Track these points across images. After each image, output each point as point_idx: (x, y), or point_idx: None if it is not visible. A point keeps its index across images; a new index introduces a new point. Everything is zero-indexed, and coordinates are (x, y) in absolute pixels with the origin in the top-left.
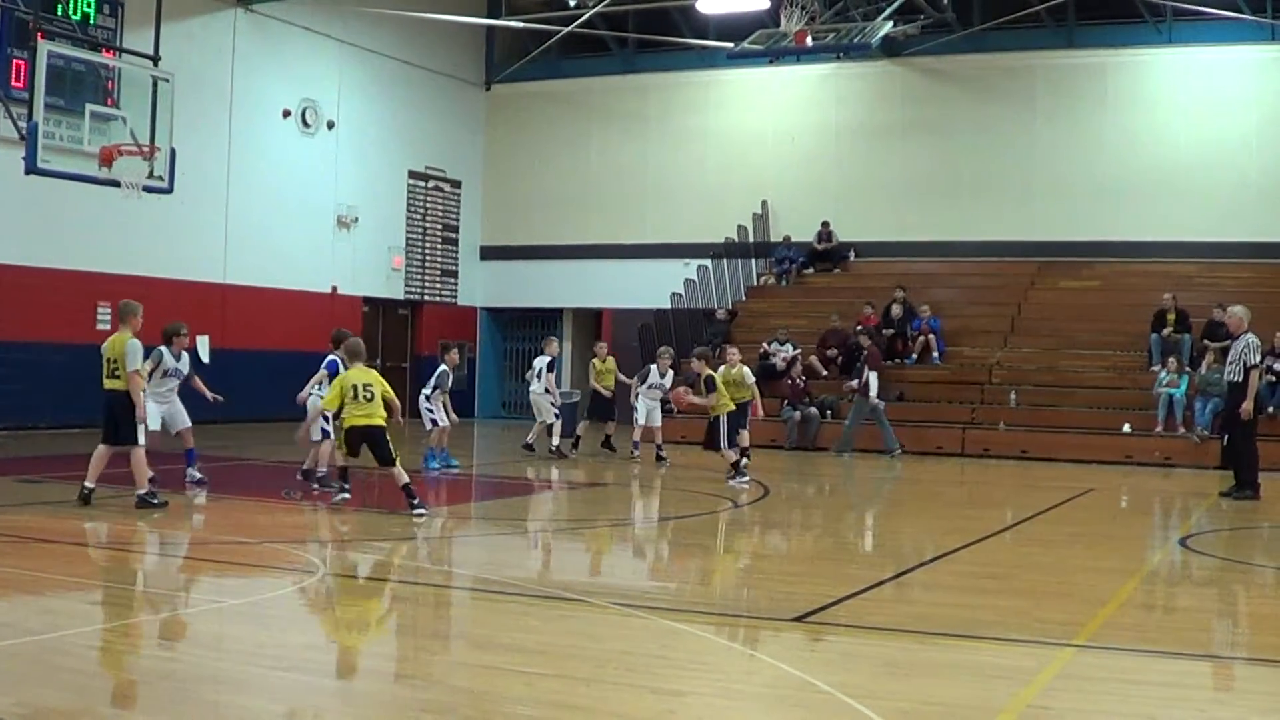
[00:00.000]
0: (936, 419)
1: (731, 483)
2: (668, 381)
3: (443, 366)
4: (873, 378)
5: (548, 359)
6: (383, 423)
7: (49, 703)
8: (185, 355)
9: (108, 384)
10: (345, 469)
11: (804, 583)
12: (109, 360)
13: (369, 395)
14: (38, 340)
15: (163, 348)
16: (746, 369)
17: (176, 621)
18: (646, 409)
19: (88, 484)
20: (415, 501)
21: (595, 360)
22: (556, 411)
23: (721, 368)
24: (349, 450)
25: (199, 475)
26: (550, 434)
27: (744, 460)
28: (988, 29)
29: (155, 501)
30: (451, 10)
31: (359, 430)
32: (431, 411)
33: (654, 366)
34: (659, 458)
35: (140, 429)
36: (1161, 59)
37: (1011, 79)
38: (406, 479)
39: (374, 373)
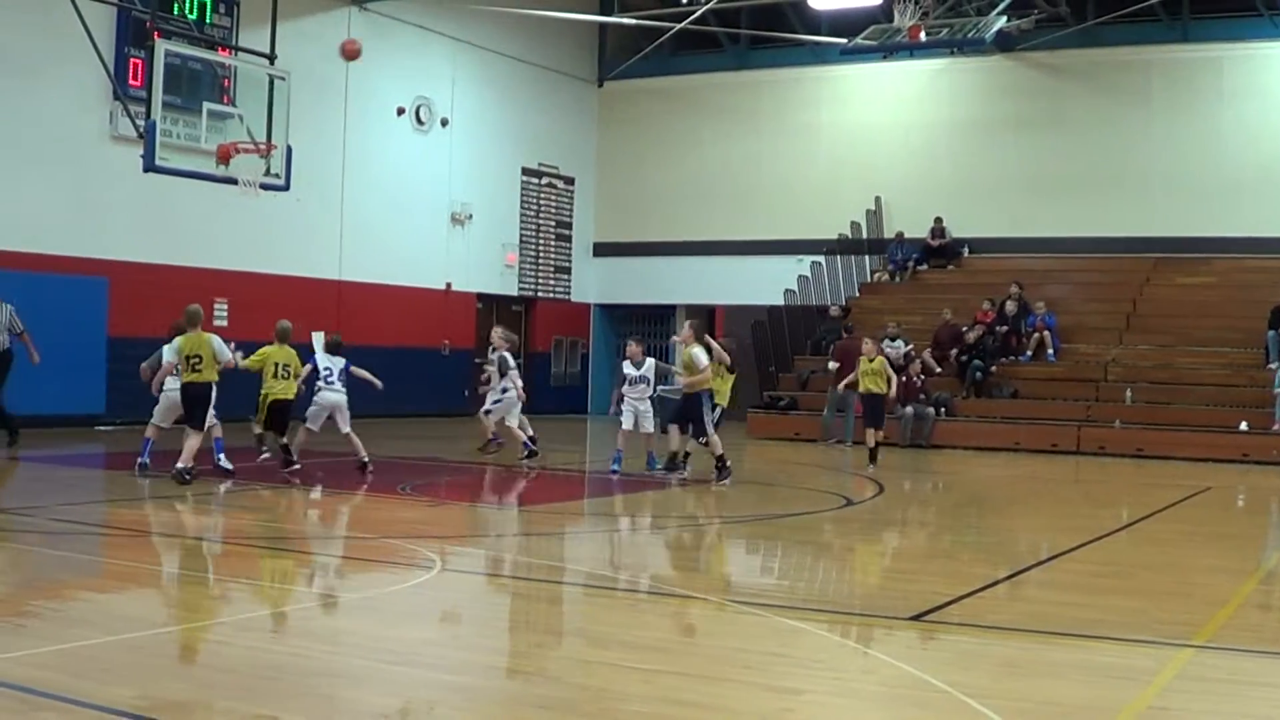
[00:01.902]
0: (1052, 416)
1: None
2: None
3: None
4: (831, 367)
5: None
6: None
7: (169, 695)
8: None
9: (190, 377)
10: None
11: (919, 581)
12: (190, 357)
13: (286, 373)
14: (156, 336)
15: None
16: (698, 351)
17: (294, 615)
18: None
19: (181, 464)
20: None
21: (862, 359)
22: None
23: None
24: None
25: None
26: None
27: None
28: (1102, 23)
29: (189, 478)
30: (564, 7)
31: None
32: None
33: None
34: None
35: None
36: (1278, 52)
37: (1126, 73)
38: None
39: (291, 352)
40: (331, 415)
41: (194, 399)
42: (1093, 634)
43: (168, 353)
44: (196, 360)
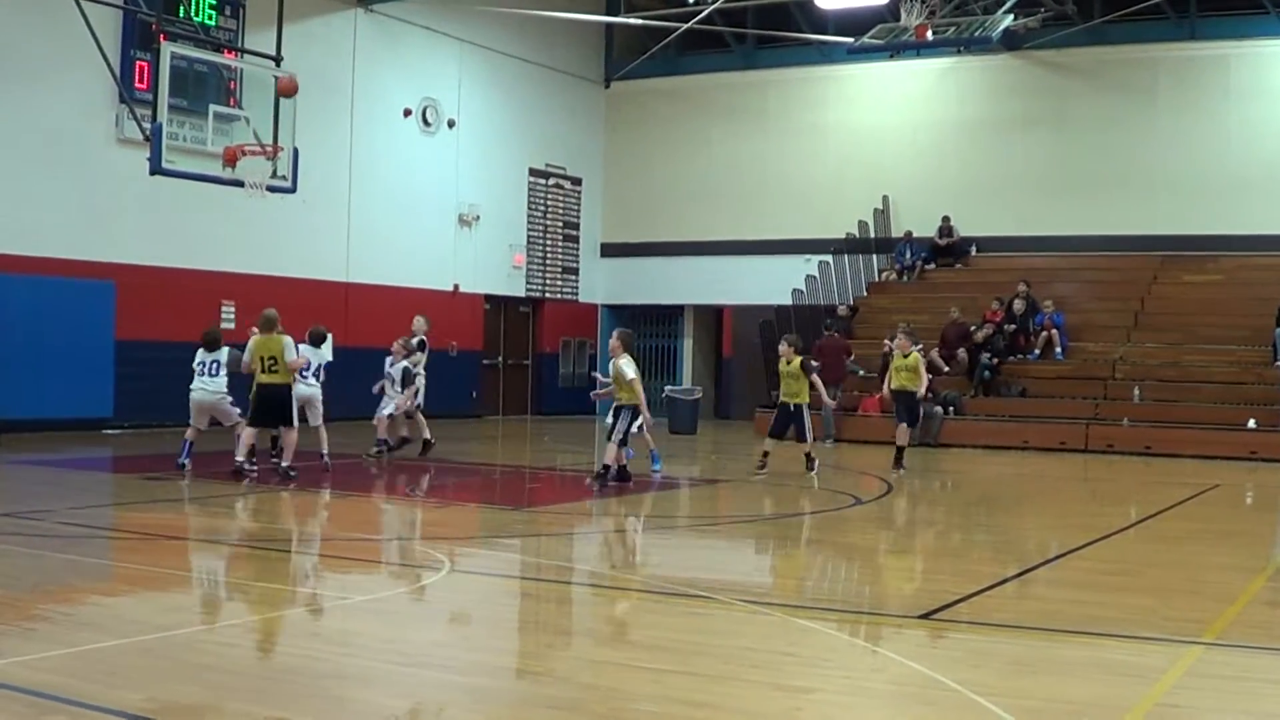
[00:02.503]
0: (1060, 415)
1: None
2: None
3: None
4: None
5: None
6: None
7: (178, 698)
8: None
9: (264, 378)
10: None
11: (928, 579)
12: (266, 358)
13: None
14: (163, 339)
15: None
16: (624, 362)
17: (303, 617)
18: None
19: (239, 457)
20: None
21: (896, 354)
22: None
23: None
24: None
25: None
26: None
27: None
28: (1109, 21)
29: (293, 475)
30: (570, 8)
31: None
32: None
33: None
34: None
35: (295, 413)
36: None
37: (1133, 71)
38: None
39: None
40: (303, 408)
41: (273, 400)
42: (1102, 631)
43: (200, 354)
44: (272, 362)
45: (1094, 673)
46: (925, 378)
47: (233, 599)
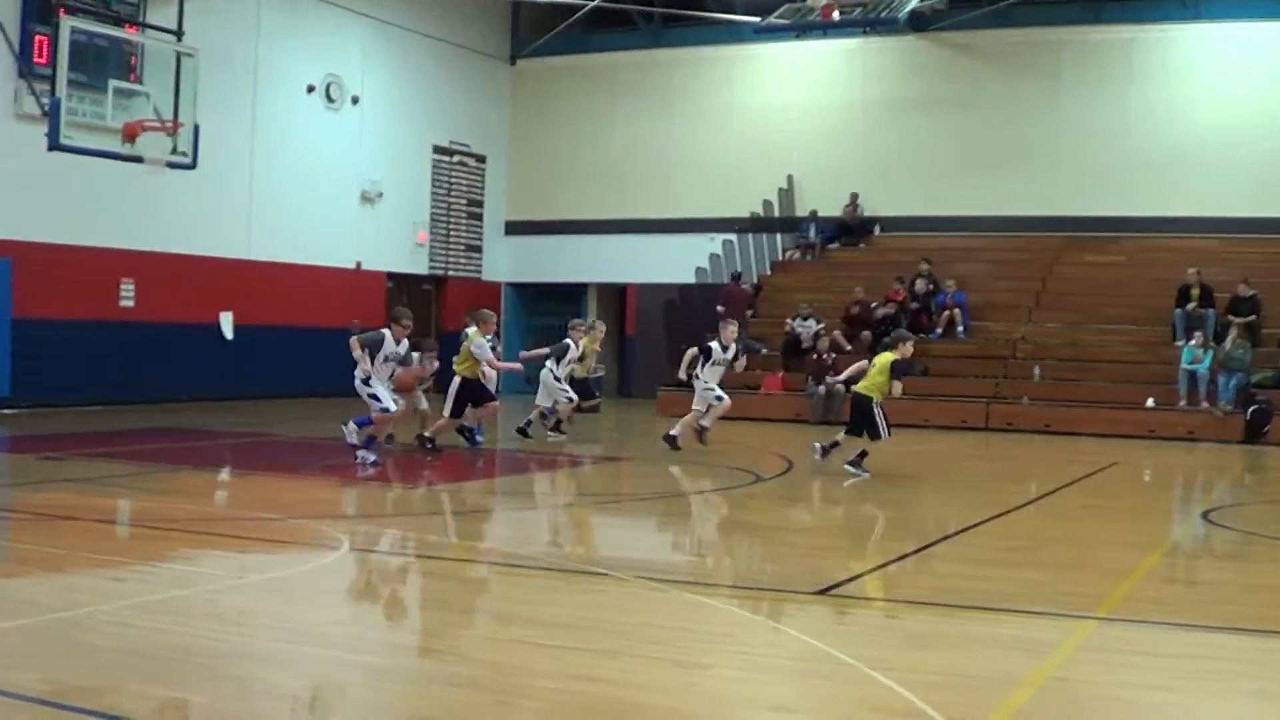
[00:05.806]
0: (960, 393)
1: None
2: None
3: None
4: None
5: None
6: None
7: (74, 679)
8: (405, 341)
9: (459, 368)
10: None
11: (827, 556)
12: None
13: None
14: (61, 317)
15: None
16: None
17: (200, 597)
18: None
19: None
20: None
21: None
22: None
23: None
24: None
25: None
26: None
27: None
28: (1015, 4)
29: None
30: None
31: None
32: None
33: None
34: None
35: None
36: (1189, 34)
37: (1038, 54)
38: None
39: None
40: None
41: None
42: (998, 606)
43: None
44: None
45: (989, 647)
46: None
47: (129, 579)
